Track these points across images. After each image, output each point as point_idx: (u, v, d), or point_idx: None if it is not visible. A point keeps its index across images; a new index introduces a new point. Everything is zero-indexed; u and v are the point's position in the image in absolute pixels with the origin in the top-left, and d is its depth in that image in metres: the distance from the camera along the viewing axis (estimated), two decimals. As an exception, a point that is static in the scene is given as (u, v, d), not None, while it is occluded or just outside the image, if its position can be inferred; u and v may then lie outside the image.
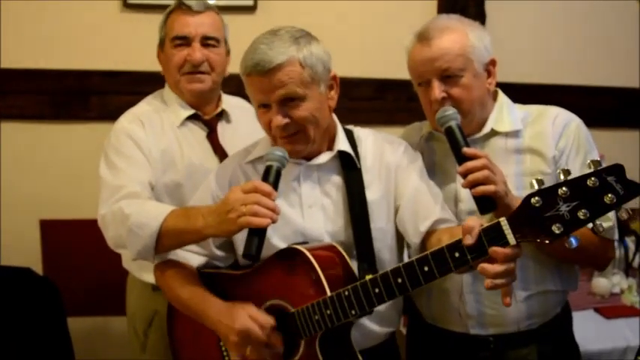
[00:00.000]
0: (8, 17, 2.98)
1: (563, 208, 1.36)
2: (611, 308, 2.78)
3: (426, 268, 1.55)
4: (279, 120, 1.73)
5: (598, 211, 1.35)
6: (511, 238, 1.43)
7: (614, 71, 3.55)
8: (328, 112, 1.83)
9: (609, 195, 1.33)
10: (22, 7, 2.98)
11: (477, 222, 1.48)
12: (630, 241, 3.09)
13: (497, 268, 1.43)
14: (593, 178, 1.34)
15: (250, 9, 3.14)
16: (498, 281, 1.44)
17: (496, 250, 1.44)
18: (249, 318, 1.74)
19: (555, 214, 1.37)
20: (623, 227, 3.04)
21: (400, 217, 1.88)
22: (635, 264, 3.05)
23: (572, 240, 1.39)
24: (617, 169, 1.33)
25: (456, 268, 1.52)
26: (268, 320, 1.75)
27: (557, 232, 1.38)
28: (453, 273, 1.71)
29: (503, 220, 1.44)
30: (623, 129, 3.56)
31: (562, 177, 1.37)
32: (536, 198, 1.39)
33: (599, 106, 3.46)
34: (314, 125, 1.77)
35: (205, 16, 2.20)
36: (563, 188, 1.36)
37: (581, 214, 1.35)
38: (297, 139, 1.78)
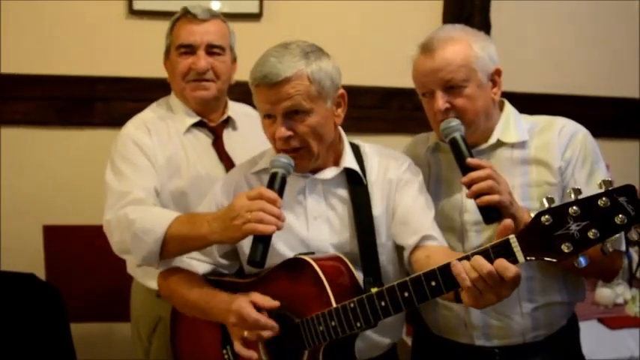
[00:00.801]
0: (13, 23, 2.98)
1: (574, 227, 1.36)
2: (615, 319, 2.77)
3: (433, 283, 1.54)
4: (283, 132, 1.74)
5: (608, 232, 1.34)
6: (520, 256, 1.42)
7: (616, 82, 3.56)
8: (333, 128, 1.84)
9: (620, 215, 1.32)
10: (26, 12, 2.99)
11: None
12: (634, 252, 3.09)
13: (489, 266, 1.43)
14: (604, 198, 1.33)
15: (256, 16, 3.14)
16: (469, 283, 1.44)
17: (501, 262, 1.42)
18: (246, 300, 1.75)
19: (565, 233, 1.36)
20: (627, 238, 3.04)
21: (392, 231, 1.89)
22: (639, 274, 3.05)
23: (582, 259, 1.38)
24: (629, 190, 1.33)
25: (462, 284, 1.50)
26: (267, 300, 1.75)
27: (566, 251, 1.37)
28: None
29: (512, 238, 1.43)
30: (625, 139, 3.56)
31: (572, 196, 1.36)
32: (547, 216, 1.38)
33: (601, 116, 3.45)
34: (317, 141, 1.78)
35: (211, 24, 2.20)
36: (574, 207, 1.35)
37: (591, 233, 1.34)
38: (301, 154, 1.78)
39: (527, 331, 1.93)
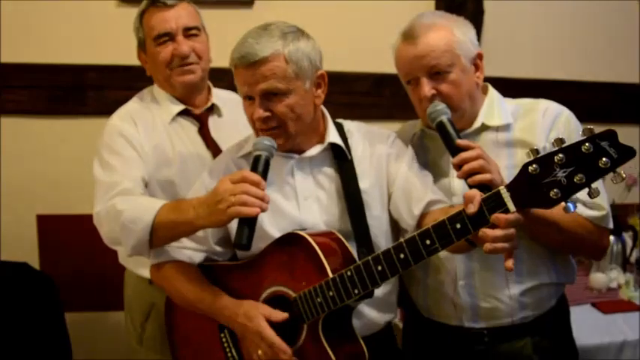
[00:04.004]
0: (5, 12, 2.97)
1: (560, 174, 1.41)
2: (609, 303, 2.77)
3: (428, 242, 1.58)
4: (260, 113, 1.76)
5: (593, 175, 1.39)
6: (511, 206, 1.47)
7: (615, 66, 3.55)
8: (312, 108, 1.85)
9: (603, 159, 1.37)
10: (17, 1, 2.97)
11: (478, 192, 1.53)
12: (627, 236, 3.10)
13: (497, 232, 1.48)
14: (587, 144, 1.38)
15: (247, 3, 3.14)
16: (498, 245, 1.49)
17: (498, 216, 1.48)
18: (262, 317, 1.78)
19: (552, 180, 1.42)
20: (621, 223, 3.05)
21: (394, 203, 1.91)
22: (633, 259, 3.06)
23: (570, 205, 1.43)
24: (611, 135, 1.38)
25: (457, 240, 1.55)
26: (277, 314, 1.78)
27: (554, 197, 1.42)
28: (451, 254, 1.81)
29: (502, 189, 1.48)
30: (623, 124, 3.54)
31: (556, 145, 1.41)
32: (534, 166, 1.43)
33: (599, 102, 3.46)
34: (294, 121, 1.80)
35: (180, 8, 2.20)
36: (559, 155, 1.40)
37: (577, 178, 1.40)
38: (277, 133, 1.80)
39: (515, 313, 1.94)
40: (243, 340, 1.86)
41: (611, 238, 2.77)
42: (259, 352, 1.79)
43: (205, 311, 1.90)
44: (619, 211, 3.03)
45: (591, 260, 2.88)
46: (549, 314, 1.99)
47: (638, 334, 2.49)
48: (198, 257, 1.97)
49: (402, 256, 1.62)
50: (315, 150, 1.89)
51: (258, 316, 1.78)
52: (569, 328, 2.10)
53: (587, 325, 2.50)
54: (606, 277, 2.87)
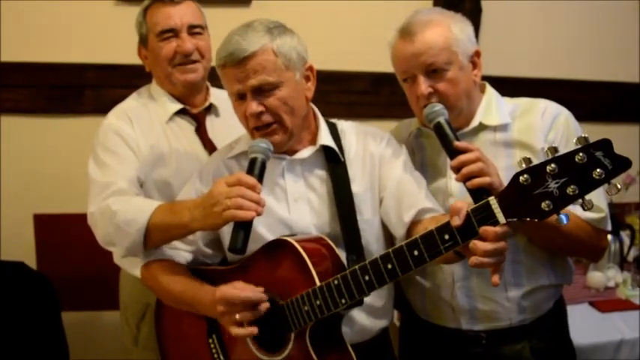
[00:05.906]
0: (3, 11, 2.96)
1: (552, 184, 1.36)
2: (606, 302, 2.77)
3: (415, 253, 1.55)
4: (254, 108, 1.74)
5: (587, 187, 1.34)
6: (501, 217, 1.43)
7: (615, 66, 3.55)
8: (305, 102, 1.84)
9: (598, 170, 1.32)
10: (17, 0, 2.97)
11: (464, 204, 1.49)
12: (625, 235, 3.10)
13: (487, 245, 1.43)
14: (581, 154, 1.33)
15: (245, 2, 3.13)
16: (486, 260, 1.44)
17: (486, 229, 1.44)
18: (228, 286, 1.74)
19: (544, 191, 1.36)
20: (618, 221, 3.05)
21: (384, 208, 1.88)
22: (630, 258, 3.06)
23: (563, 217, 1.38)
24: (605, 144, 1.33)
25: (446, 251, 1.51)
26: (247, 286, 1.73)
27: (546, 209, 1.37)
28: (444, 264, 1.77)
29: (492, 199, 1.44)
30: (624, 123, 3.55)
31: (549, 155, 1.37)
32: (525, 176, 1.38)
33: (599, 101, 3.46)
34: (289, 114, 1.78)
35: (185, 5, 2.20)
36: (552, 165, 1.35)
37: (570, 190, 1.34)
38: (274, 129, 1.78)
39: (513, 315, 1.93)
40: (219, 319, 1.80)
41: (609, 237, 2.77)
42: (237, 316, 1.71)
43: (190, 304, 1.86)
44: (617, 210, 3.03)
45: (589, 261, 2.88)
46: (547, 316, 1.98)
47: (637, 333, 2.50)
48: (187, 258, 1.95)
49: (389, 266, 1.59)
50: (306, 152, 1.87)
51: (225, 286, 1.74)
52: (567, 330, 2.09)
53: (585, 324, 2.50)
54: (604, 276, 2.87)
